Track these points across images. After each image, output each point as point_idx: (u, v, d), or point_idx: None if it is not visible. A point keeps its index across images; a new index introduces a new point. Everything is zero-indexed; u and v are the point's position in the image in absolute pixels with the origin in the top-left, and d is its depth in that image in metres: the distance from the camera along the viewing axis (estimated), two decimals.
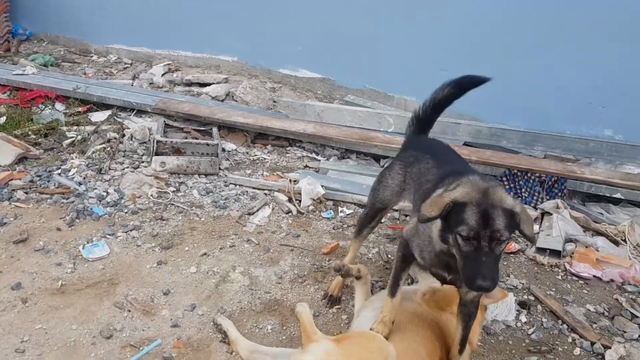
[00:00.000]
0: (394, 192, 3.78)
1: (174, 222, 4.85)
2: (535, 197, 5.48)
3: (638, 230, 5.14)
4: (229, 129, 6.42)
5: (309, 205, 5.23)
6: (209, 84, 7.54)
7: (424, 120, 3.92)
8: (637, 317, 4.12)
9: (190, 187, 5.41)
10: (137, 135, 6.13)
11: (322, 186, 5.33)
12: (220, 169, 5.72)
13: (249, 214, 5.05)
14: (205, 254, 4.45)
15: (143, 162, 5.76)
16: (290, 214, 5.12)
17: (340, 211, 5.23)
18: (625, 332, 3.90)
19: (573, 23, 5.91)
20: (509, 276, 4.46)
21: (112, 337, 3.56)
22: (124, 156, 5.87)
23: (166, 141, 5.74)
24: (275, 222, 5.00)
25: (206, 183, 5.50)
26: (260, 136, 6.58)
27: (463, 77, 3.71)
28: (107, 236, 4.55)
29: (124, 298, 3.90)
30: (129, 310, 3.80)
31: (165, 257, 4.36)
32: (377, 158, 6.21)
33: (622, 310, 4.13)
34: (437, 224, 2.88)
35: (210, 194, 5.32)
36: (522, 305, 4.14)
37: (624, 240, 5.00)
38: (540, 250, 4.73)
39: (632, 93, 5.79)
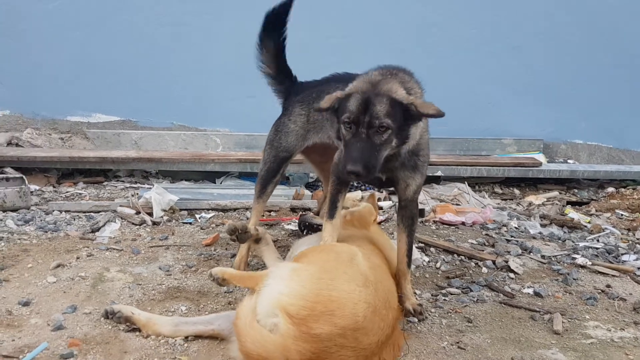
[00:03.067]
0: (299, 136, 3.55)
1: None
2: None
3: (467, 197, 5.72)
4: (25, 170, 5.31)
5: (162, 216, 4.53)
6: None
7: (280, 70, 3.78)
8: (510, 240, 4.50)
9: (0, 220, 4.22)
10: None
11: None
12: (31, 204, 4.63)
13: (93, 231, 4.14)
14: (60, 265, 3.47)
15: None
16: (144, 224, 4.35)
17: (200, 217, 4.65)
18: (509, 252, 4.19)
19: None
20: (392, 234, 4.46)
21: None
22: None
23: None
24: (130, 232, 4.19)
25: (21, 215, 4.37)
26: (67, 176, 5.60)
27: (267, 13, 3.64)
28: None
29: None
30: None
31: (2, 277, 3.24)
32: (211, 179, 5.79)
33: (497, 242, 4.45)
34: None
35: (31, 222, 4.24)
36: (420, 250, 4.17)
37: (457, 205, 5.51)
38: None
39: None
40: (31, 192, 5.02)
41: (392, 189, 3.45)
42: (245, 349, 2.39)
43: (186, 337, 2.72)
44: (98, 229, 4.14)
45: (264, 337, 2.39)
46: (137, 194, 4.71)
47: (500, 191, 6.20)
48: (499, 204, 5.72)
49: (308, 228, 3.76)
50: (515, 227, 4.85)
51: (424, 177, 3.06)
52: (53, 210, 4.50)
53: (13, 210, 4.48)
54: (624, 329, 3.11)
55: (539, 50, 7.11)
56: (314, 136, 3.54)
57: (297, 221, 4.68)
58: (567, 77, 7.19)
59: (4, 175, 4.78)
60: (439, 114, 2.66)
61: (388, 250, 3.34)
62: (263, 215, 4.87)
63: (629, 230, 5.03)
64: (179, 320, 2.83)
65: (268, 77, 3.78)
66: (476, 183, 6.21)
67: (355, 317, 2.42)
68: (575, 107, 7.25)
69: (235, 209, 4.91)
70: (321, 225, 3.51)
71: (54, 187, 5.33)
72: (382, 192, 5.60)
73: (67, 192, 5.20)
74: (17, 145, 5.94)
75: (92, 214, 4.52)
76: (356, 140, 2.67)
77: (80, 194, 5.18)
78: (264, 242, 3.54)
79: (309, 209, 5.02)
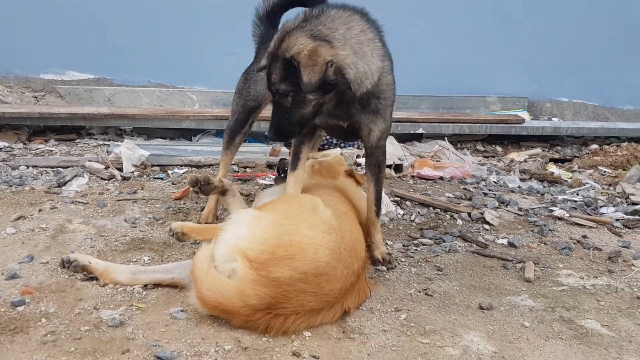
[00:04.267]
0: None
1: None
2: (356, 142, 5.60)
3: (447, 153, 5.63)
4: None
5: (132, 171, 4.41)
6: None
7: (272, 15, 3.67)
8: (488, 194, 4.43)
9: None
10: None
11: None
12: None
13: (60, 185, 4.02)
14: (21, 217, 3.38)
15: None
16: (113, 179, 4.24)
17: (172, 173, 4.54)
18: (486, 205, 4.11)
19: None
20: None
21: None
22: None
23: None
24: (98, 187, 4.08)
25: None
26: (38, 134, 5.45)
27: None
28: None
29: None
30: None
31: None
32: (188, 137, 5.66)
33: (474, 195, 4.38)
34: None
35: None
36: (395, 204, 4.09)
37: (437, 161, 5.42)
38: None
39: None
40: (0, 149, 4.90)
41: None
42: (201, 296, 2.32)
43: (145, 286, 2.64)
44: (65, 183, 4.02)
45: (221, 283, 2.32)
46: (108, 149, 4.58)
47: (483, 149, 6.10)
48: (480, 161, 5.63)
49: (286, 173, 3.65)
50: (494, 182, 4.78)
51: (387, 121, 2.94)
52: (20, 165, 4.37)
53: None
54: (597, 277, 3.05)
55: (525, 8, 6.93)
56: None
57: (272, 177, 4.60)
58: (552, 35, 7.01)
59: None
60: (306, 86, 2.51)
61: (358, 200, 3.26)
62: (238, 171, 4.78)
63: (609, 185, 4.96)
64: (138, 269, 2.74)
65: (256, 18, 3.64)
66: (458, 141, 6.10)
67: (317, 262, 2.35)
68: (560, 65, 7.10)
69: (209, 165, 4.78)
70: None
71: (24, 144, 5.18)
72: (360, 149, 5.49)
73: (37, 149, 5.05)
74: None
75: (60, 169, 4.39)
76: (273, 106, 2.73)
77: (50, 150, 5.03)
78: (231, 194, 3.42)
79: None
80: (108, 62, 6.57)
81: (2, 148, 4.94)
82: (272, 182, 4.42)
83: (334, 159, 3.59)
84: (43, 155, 4.82)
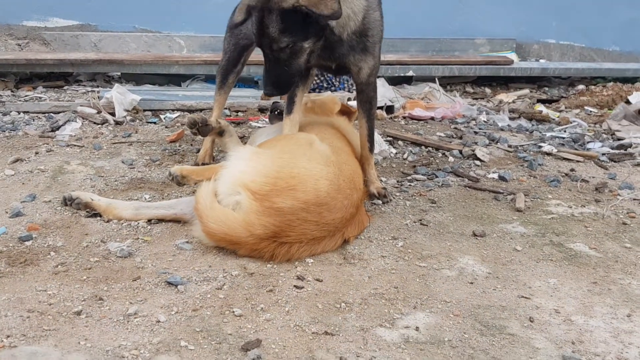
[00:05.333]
0: None
1: None
2: (345, 84, 5.60)
3: (437, 94, 5.66)
4: None
5: (125, 116, 4.41)
6: None
7: None
8: (477, 132, 4.51)
9: None
10: None
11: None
12: None
13: (53, 129, 4.01)
14: (18, 159, 3.40)
15: None
16: (106, 123, 4.23)
17: (165, 117, 4.54)
18: (476, 142, 4.19)
19: None
20: None
21: None
22: None
23: None
24: (92, 131, 4.08)
25: None
26: (25, 81, 5.38)
27: None
28: None
29: None
30: None
31: None
32: (177, 82, 5.62)
33: (465, 134, 4.45)
34: None
35: None
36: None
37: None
38: None
39: None
40: None
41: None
42: (208, 229, 2.39)
43: (149, 221, 2.70)
44: (58, 128, 4.02)
45: (226, 216, 2.38)
46: (98, 94, 4.55)
47: (472, 90, 6.15)
48: (469, 102, 5.68)
49: (279, 116, 3.67)
50: (484, 121, 4.85)
51: (376, 57, 2.96)
52: (11, 111, 4.34)
53: None
54: (584, 206, 3.17)
55: None
56: None
57: (265, 119, 4.62)
58: None
59: None
60: (334, 15, 2.49)
61: (352, 136, 3.31)
62: (230, 115, 4.78)
63: (595, 124, 5.06)
64: (140, 205, 2.80)
65: None
66: (448, 83, 6.13)
67: (317, 192, 2.42)
68: (548, 6, 7.07)
69: (201, 110, 4.77)
70: None
71: (11, 91, 5.11)
72: (351, 92, 5.50)
73: (25, 96, 4.99)
74: None
75: (52, 114, 4.37)
76: (266, 61, 2.66)
77: (39, 97, 4.98)
78: (228, 135, 3.45)
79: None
80: (92, 8, 6.43)
81: None
82: (266, 125, 4.46)
83: (328, 97, 3.63)
84: (30, 102, 4.78)
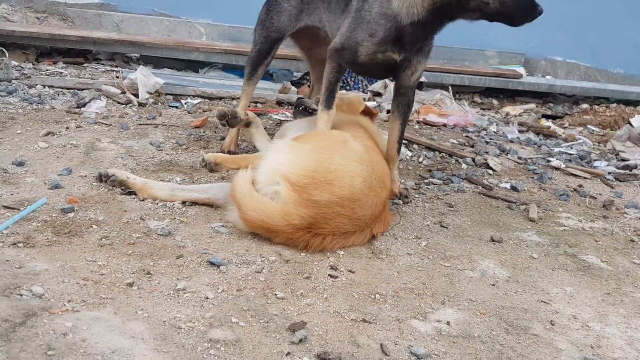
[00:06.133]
0: (292, 16, 3.49)
1: None
2: (360, 85, 5.72)
3: (448, 102, 5.80)
4: (1, 45, 5.09)
5: (147, 98, 4.48)
6: None
7: None
8: (489, 142, 4.65)
9: None
10: None
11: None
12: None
13: (79, 106, 4.08)
14: (50, 133, 3.46)
15: None
16: (130, 104, 4.31)
17: (186, 103, 4.62)
18: (487, 152, 4.34)
19: None
20: None
21: None
22: None
23: None
24: (117, 110, 4.15)
25: (3, 87, 4.24)
26: (45, 55, 5.42)
27: None
28: None
29: None
30: None
31: None
32: (194, 68, 5.69)
33: (476, 143, 4.59)
34: None
35: (14, 93, 4.14)
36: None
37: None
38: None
39: None
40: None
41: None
42: (246, 216, 2.48)
43: (183, 203, 2.80)
44: (84, 105, 4.08)
45: (265, 204, 2.49)
46: (122, 74, 4.62)
47: (480, 101, 6.30)
48: (478, 112, 5.83)
49: (303, 111, 3.77)
50: (494, 132, 5.00)
51: (425, 64, 3.10)
52: (36, 85, 4.39)
53: None
54: (593, 221, 3.33)
55: None
56: (306, 18, 3.47)
57: (285, 113, 4.73)
58: None
59: None
60: None
61: (376, 137, 3.43)
62: (249, 105, 4.87)
63: (599, 143, 5.23)
64: (175, 186, 2.90)
65: None
66: (457, 92, 6.27)
67: (352, 188, 2.54)
68: (557, 24, 7.21)
69: (221, 98, 4.87)
70: (315, 111, 3.57)
71: (33, 64, 5.16)
72: (365, 92, 5.63)
73: (47, 70, 5.04)
74: None
75: (75, 90, 4.43)
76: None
77: (60, 72, 5.03)
78: (254, 126, 3.58)
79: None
80: None
81: (13, 66, 4.91)
82: (287, 118, 4.57)
83: (354, 96, 3.75)
84: (54, 76, 4.82)
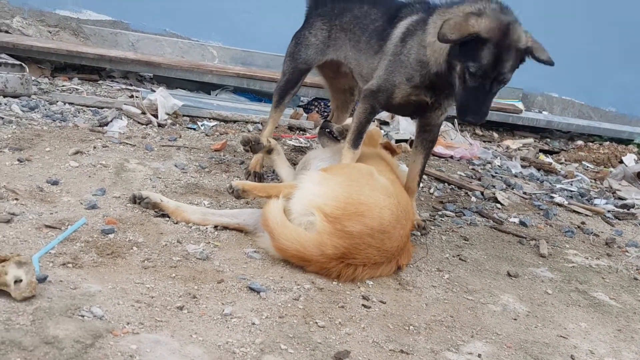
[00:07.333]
0: (319, 50, 3.64)
1: (7, 129, 3.70)
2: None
3: (452, 134, 5.99)
4: (18, 59, 5.16)
5: (166, 119, 4.58)
6: None
7: None
8: (495, 176, 4.83)
9: (4, 104, 4.18)
10: None
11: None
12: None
13: (102, 125, 4.16)
14: (78, 152, 3.53)
15: None
16: (150, 125, 4.40)
17: (202, 125, 4.72)
18: (494, 186, 4.51)
19: None
20: None
21: (12, 222, 2.55)
22: None
23: None
24: (138, 130, 4.24)
25: (24, 102, 4.32)
26: (59, 70, 5.50)
27: None
28: None
29: None
30: (16, 199, 2.77)
31: (24, 156, 3.30)
32: (206, 90, 5.81)
33: (483, 176, 4.77)
34: (443, 47, 2.91)
35: (36, 109, 4.21)
36: None
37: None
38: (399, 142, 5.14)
39: None
40: None
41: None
42: (281, 246, 2.59)
43: (215, 227, 2.90)
44: (106, 124, 4.17)
45: (299, 234, 2.59)
46: (141, 95, 4.72)
47: (481, 133, 6.51)
48: (479, 144, 6.03)
49: (328, 134, 3.86)
50: (499, 165, 5.18)
51: None
52: (57, 101, 4.47)
53: (14, 97, 4.41)
54: (599, 259, 3.49)
55: (526, 4, 7.27)
56: (332, 52, 3.63)
57: (299, 138, 4.86)
58: (551, 32, 7.36)
59: (4, 60, 4.66)
60: (550, 62, 2.88)
61: (397, 169, 3.57)
62: (261, 130, 4.99)
63: (595, 180, 5.44)
64: (206, 211, 3.00)
65: None
66: (459, 123, 6.47)
67: (382, 220, 2.66)
68: (555, 61, 7.53)
69: (235, 121, 4.99)
70: (339, 136, 3.70)
71: (48, 79, 5.24)
72: (374, 120, 5.78)
73: (63, 85, 5.13)
74: (6, 32, 5.73)
75: (96, 109, 4.52)
76: (480, 92, 2.81)
77: (77, 89, 5.12)
78: (275, 153, 3.71)
79: (305, 129, 5.19)
80: (125, 6, 6.59)
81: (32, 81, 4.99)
82: (301, 144, 4.70)
83: (374, 129, 3.89)
84: (70, 93, 4.91)
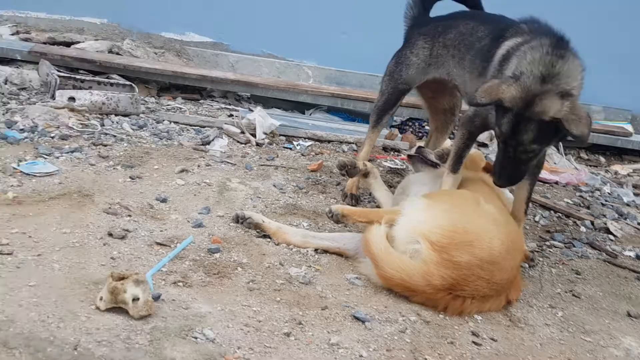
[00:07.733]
0: (420, 69, 3.57)
1: (119, 147, 3.88)
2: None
3: (555, 157, 5.68)
4: (127, 79, 5.46)
5: (264, 139, 4.66)
6: (76, 42, 6.37)
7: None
8: (604, 204, 4.51)
9: (116, 122, 4.41)
10: (15, 80, 4.89)
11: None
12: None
13: (204, 143, 4.29)
14: (184, 170, 3.65)
15: (36, 102, 4.55)
16: (249, 144, 4.49)
17: (297, 144, 4.76)
18: (605, 215, 4.21)
19: None
20: None
21: (127, 237, 2.65)
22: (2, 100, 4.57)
23: (71, 76, 4.65)
24: (239, 150, 4.34)
25: (134, 121, 4.54)
26: (164, 90, 5.75)
27: None
28: (44, 156, 3.45)
29: (110, 206, 2.94)
30: (129, 215, 2.88)
31: (135, 174, 3.44)
32: (301, 109, 5.88)
33: (592, 204, 4.47)
34: None
35: (145, 128, 4.41)
36: None
37: None
38: None
39: None
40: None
41: None
42: (385, 274, 2.51)
43: (315, 250, 2.87)
44: (208, 143, 4.29)
45: (404, 263, 2.51)
46: (240, 114, 4.84)
47: (586, 157, 6.13)
48: (585, 169, 5.68)
49: (422, 160, 3.79)
50: (609, 193, 4.84)
51: None
52: (163, 120, 4.66)
53: (124, 115, 4.64)
54: None
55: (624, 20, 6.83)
56: (434, 71, 3.54)
57: (394, 160, 4.79)
58: None
59: (115, 81, 4.93)
60: (582, 137, 2.63)
61: (500, 194, 3.41)
62: (357, 150, 4.97)
63: None
64: (307, 233, 2.98)
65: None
66: (563, 146, 6.15)
67: (492, 250, 2.53)
68: None
69: (330, 141, 4.99)
70: (434, 163, 3.60)
71: (155, 98, 5.49)
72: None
73: (168, 104, 5.35)
74: (117, 54, 6.09)
75: (198, 127, 4.67)
76: (504, 156, 2.78)
77: (180, 108, 5.32)
78: (372, 176, 3.66)
79: (399, 150, 5.11)
80: (225, 28, 6.80)
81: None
82: (396, 165, 4.62)
83: (476, 153, 3.74)
84: (174, 112, 5.11)
